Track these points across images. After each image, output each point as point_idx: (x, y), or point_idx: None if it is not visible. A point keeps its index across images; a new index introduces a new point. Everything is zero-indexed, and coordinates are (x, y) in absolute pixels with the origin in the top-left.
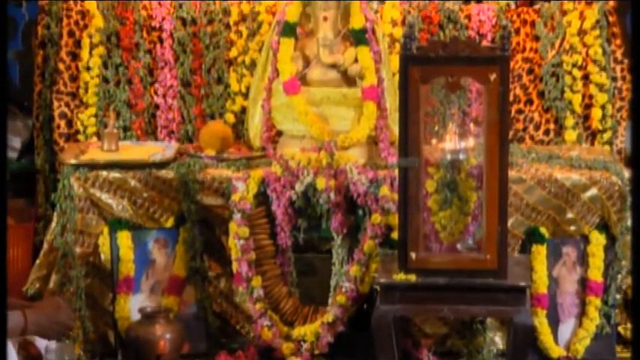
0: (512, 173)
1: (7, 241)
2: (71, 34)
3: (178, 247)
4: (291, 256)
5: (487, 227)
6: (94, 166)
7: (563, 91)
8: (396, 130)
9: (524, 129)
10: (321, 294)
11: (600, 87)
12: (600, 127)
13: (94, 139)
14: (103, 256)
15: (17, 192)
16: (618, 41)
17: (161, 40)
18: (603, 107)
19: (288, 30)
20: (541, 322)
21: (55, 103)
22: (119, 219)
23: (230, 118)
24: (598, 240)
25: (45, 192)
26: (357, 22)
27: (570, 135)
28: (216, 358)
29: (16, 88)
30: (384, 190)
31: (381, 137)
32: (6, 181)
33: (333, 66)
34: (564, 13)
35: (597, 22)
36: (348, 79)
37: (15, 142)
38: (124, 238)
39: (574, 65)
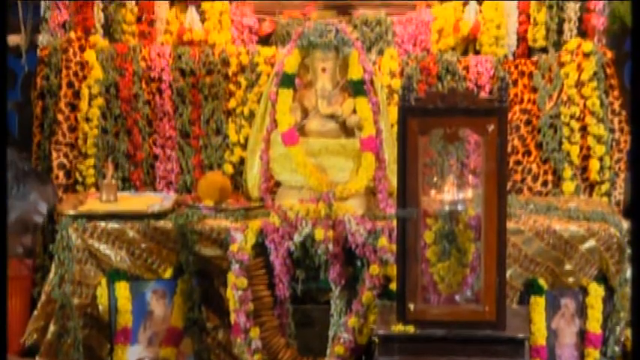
0: (510, 224)
1: (6, 293)
2: (70, 85)
3: (176, 298)
4: (289, 307)
5: (485, 279)
6: (92, 216)
7: (561, 143)
8: (394, 181)
9: (523, 180)
10: (320, 345)
11: (598, 139)
12: (598, 179)
13: (93, 189)
14: (100, 307)
15: (16, 243)
16: (616, 93)
17: (160, 91)
18: (601, 159)
19: (286, 81)
20: None
21: (54, 154)
22: (117, 270)
23: (228, 168)
24: (596, 292)
25: (43, 243)
26: (355, 73)
27: (568, 186)
28: None
29: (15, 139)
30: (383, 241)
31: (379, 188)
32: (6, 182)
33: (332, 117)
34: (562, 64)
35: (595, 74)
36: (347, 130)
37: (42, 208)
38: (122, 289)
39: (572, 117)
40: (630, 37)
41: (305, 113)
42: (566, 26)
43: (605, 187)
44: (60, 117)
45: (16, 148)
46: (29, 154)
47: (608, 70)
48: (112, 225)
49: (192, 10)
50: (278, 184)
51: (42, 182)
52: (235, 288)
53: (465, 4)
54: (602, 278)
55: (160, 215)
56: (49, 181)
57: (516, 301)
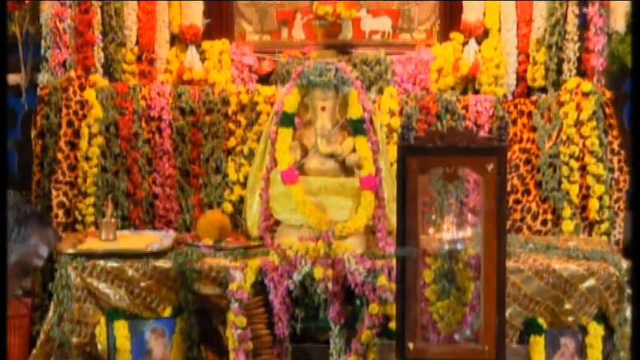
0: (510, 263)
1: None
2: (70, 124)
3: (175, 337)
4: (288, 345)
5: (485, 318)
6: (91, 255)
7: (560, 182)
8: (393, 219)
9: (522, 219)
10: None
11: (597, 178)
12: (598, 218)
13: (92, 228)
14: (99, 346)
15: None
16: (615, 133)
17: (160, 130)
18: (601, 198)
19: (286, 120)
20: None
21: (54, 193)
22: (116, 308)
23: (228, 207)
24: (596, 331)
25: (42, 281)
26: (355, 112)
27: (568, 225)
28: None
29: (15, 178)
30: (382, 280)
31: (378, 227)
32: (6, 184)
33: (331, 156)
34: (561, 104)
35: (594, 113)
36: (346, 169)
37: (42, 251)
38: (121, 328)
39: (571, 156)
40: (630, 76)
41: (305, 152)
42: (565, 66)
43: (604, 227)
44: (60, 156)
45: (18, 189)
46: (29, 192)
47: (607, 110)
48: (111, 264)
49: (192, 50)
50: (277, 222)
51: (43, 225)
52: (234, 327)
53: (464, 44)
54: (602, 317)
55: (159, 254)
56: (50, 224)
57: (516, 340)
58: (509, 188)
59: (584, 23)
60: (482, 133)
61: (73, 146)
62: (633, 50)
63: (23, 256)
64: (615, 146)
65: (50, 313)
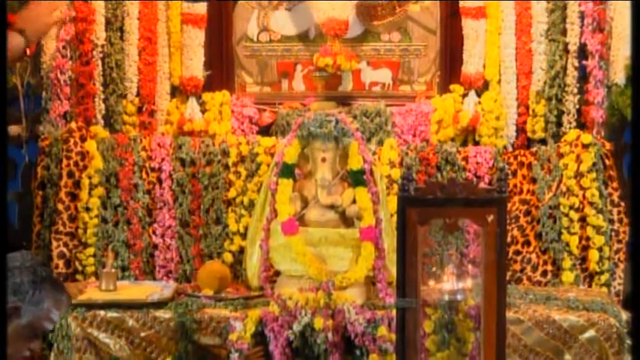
0: (510, 314)
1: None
2: (71, 174)
3: None
4: None
5: None
6: (91, 305)
7: (560, 233)
8: (393, 270)
9: (522, 270)
10: None
11: (597, 229)
12: (598, 269)
13: (93, 278)
14: None
15: None
16: (615, 184)
17: (160, 181)
18: (600, 249)
19: (286, 171)
20: None
21: (54, 243)
22: (117, 359)
23: (228, 257)
24: None
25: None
26: (355, 163)
27: (568, 276)
28: None
29: (15, 229)
30: (382, 331)
31: (378, 278)
32: (6, 185)
33: (332, 207)
34: (561, 155)
35: (594, 164)
36: (346, 220)
37: (54, 316)
38: None
39: (571, 207)
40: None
41: (305, 203)
42: (565, 118)
43: (604, 278)
44: (60, 206)
45: (18, 240)
46: (29, 243)
47: (607, 162)
48: (112, 314)
49: (192, 101)
50: (277, 273)
51: (58, 290)
52: None
53: (464, 96)
54: None
55: (159, 304)
56: (65, 290)
57: None
58: (509, 239)
59: (583, 76)
60: (482, 185)
61: (74, 197)
62: (633, 63)
63: (35, 319)
64: (615, 197)
65: None
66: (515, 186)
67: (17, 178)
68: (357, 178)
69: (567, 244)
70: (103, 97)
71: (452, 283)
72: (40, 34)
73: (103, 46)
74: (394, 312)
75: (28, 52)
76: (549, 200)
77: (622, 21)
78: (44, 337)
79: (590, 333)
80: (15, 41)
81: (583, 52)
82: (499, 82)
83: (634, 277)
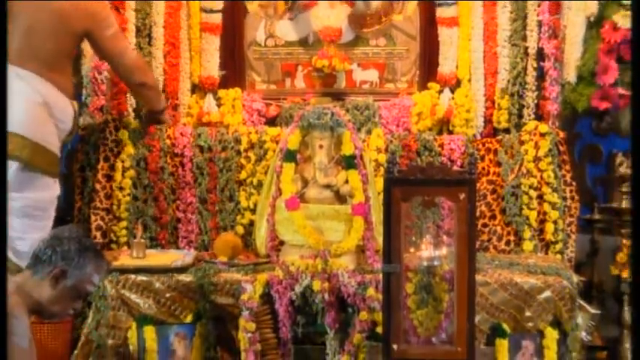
0: (478, 277)
1: (50, 335)
2: (106, 159)
3: (195, 340)
4: (291, 347)
5: (458, 323)
6: (124, 270)
7: (521, 209)
8: (380, 240)
9: (489, 240)
10: None
11: (553, 205)
12: (553, 239)
13: (125, 247)
14: (131, 347)
15: None
16: (567, 167)
17: (182, 165)
18: (555, 222)
19: (289, 156)
20: None
21: (93, 217)
22: (145, 316)
23: (240, 230)
24: (552, 335)
25: None
26: (347, 149)
27: (527, 245)
28: None
29: (60, 206)
30: (370, 292)
31: (367, 246)
32: (6, 183)
33: (328, 186)
34: (522, 143)
35: (550, 150)
36: (340, 198)
37: (95, 279)
38: (150, 332)
39: (530, 187)
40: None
41: (305, 183)
42: (525, 111)
43: (558, 247)
44: (97, 186)
45: (62, 215)
46: (71, 217)
47: (561, 148)
48: (141, 277)
49: (209, 97)
50: (282, 242)
51: (99, 258)
52: (245, 331)
53: (439, 92)
54: (557, 323)
55: (181, 269)
56: (104, 258)
57: (484, 342)
58: (478, 214)
59: (541, 75)
60: (455, 168)
61: (109, 178)
62: (633, 53)
63: (79, 282)
64: (568, 178)
65: (89, 320)
66: (483, 169)
67: (62, 163)
68: (349, 162)
69: (527, 218)
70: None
71: (430, 251)
72: None
73: (134, 50)
74: (381, 276)
75: None
76: (512, 181)
77: (573, 28)
78: (85, 297)
79: (547, 293)
80: None
81: (540, 55)
82: (469, 80)
83: (634, 276)
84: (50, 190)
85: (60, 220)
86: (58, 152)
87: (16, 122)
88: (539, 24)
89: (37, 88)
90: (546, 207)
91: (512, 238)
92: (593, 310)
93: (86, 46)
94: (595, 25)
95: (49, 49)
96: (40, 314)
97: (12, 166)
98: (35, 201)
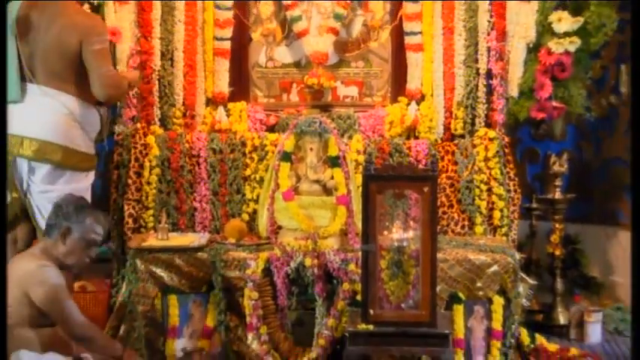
0: (439, 255)
1: (91, 303)
2: (137, 159)
3: (209, 306)
4: (287, 312)
5: (422, 292)
6: (151, 250)
7: (473, 199)
8: (359, 225)
9: (447, 225)
10: (309, 339)
11: (499, 196)
12: (499, 224)
13: (152, 231)
14: (157, 312)
15: (99, 268)
16: (511, 165)
17: (198, 164)
18: (501, 210)
19: (285, 157)
20: (459, 358)
21: (125, 207)
22: (168, 286)
23: (245, 217)
24: (498, 301)
25: (117, 268)
26: (333, 151)
27: (479, 229)
28: None
29: (99, 197)
30: (352, 267)
31: (349, 230)
32: (6, 184)
33: (317, 181)
34: (474, 146)
35: (497, 152)
36: (327, 191)
37: (98, 229)
38: (172, 300)
39: (481, 181)
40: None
41: (298, 179)
42: (477, 120)
43: (504, 230)
44: (129, 181)
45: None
46: (108, 207)
47: (506, 150)
48: (165, 255)
49: (221, 109)
50: (280, 227)
51: (95, 212)
52: (250, 299)
53: (408, 104)
54: (502, 292)
55: (198, 249)
56: (100, 212)
57: (443, 308)
58: (438, 204)
59: (489, 91)
60: (421, 166)
61: (139, 175)
62: (633, 64)
63: (83, 233)
64: (511, 175)
65: (123, 290)
66: (442, 167)
67: (101, 162)
68: (334, 162)
69: (478, 207)
70: (159, 105)
71: (399, 234)
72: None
73: (159, 71)
74: (360, 254)
75: None
76: (466, 177)
77: (515, 53)
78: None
79: (494, 268)
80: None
81: (489, 75)
82: (432, 95)
83: (634, 275)
84: (81, 182)
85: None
86: (88, 150)
87: (46, 131)
88: (488, 49)
89: (62, 101)
90: (494, 198)
91: (466, 223)
92: (531, 281)
93: (120, 68)
94: (533, 50)
95: (64, 65)
96: (63, 268)
97: (45, 167)
98: (68, 192)
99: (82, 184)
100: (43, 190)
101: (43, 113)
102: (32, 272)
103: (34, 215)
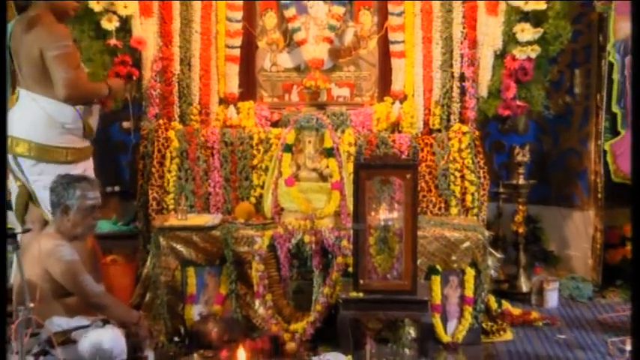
0: (419, 233)
1: (120, 274)
2: (159, 151)
3: (222, 277)
4: (289, 282)
5: (405, 265)
6: (172, 228)
7: (449, 185)
8: (351, 207)
9: (427, 207)
10: (307, 305)
11: (470, 182)
12: (471, 206)
13: (172, 212)
14: (177, 283)
15: (127, 245)
16: (481, 156)
17: (212, 155)
18: (472, 194)
19: (287, 148)
20: (437, 321)
21: (150, 192)
22: (187, 260)
23: (253, 200)
24: (470, 272)
25: (143, 244)
26: (328, 143)
27: (453, 210)
28: (244, 344)
29: (128, 184)
30: (344, 243)
31: (342, 211)
32: (6, 180)
33: (314, 170)
34: (449, 139)
35: (469, 144)
36: (323, 177)
37: (90, 195)
38: (190, 271)
39: (455, 170)
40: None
41: (298, 167)
42: (452, 117)
43: (475, 211)
44: (153, 170)
45: (128, 191)
46: (135, 192)
47: (477, 142)
48: (184, 233)
49: (231, 107)
50: (282, 209)
51: (81, 183)
52: (257, 270)
53: (392, 103)
54: (474, 264)
55: (212, 228)
56: (86, 178)
57: (423, 278)
58: (419, 188)
59: (463, 91)
60: (404, 157)
61: (161, 164)
62: (633, 64)
63: (79, 205)
64: (481, 164)
65: (148, 263)
66: (422, 157)
67: (129, 153)
68: (329, 153)
69: (453, 191)
70: (178, 104)
71: (385, 215)
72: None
73: (178, 74)
74: (352, 232)
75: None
76: (442, 165)
77: (485, 59)
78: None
79: (467, 244)
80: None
81: (462, 78)
82: (413, 95)
83: (634, 274)
84: (60, 172)
85: (125, 194)
86: (70, 144)
87: (27, 131)
88: (461, 56)
89: (42, 105)
90: (466, 183)
91: (442, 205)
92: (498, 255)
93: (146, 73)
94: (500, 56)
95: (37, 72)
96: (77, 238)
97: (27, 161)
98: (50, 181)
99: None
100: (34, 180)
101: (26, 115)
102: (49, 251)
103: (35, 199)
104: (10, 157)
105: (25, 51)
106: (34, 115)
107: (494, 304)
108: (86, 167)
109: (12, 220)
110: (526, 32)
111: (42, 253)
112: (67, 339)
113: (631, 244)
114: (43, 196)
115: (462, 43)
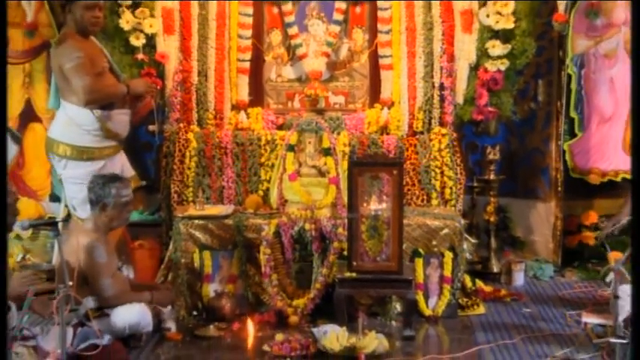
0: (405, 221)
1: (146, 257)
2: (180, 150)
3: (234, 260)
4: (292, 264)
5: (392, 249)
6: (191, 217)
7: (430, 180)
8: (345, 199)
9: (411, 199)
10: (308, 284)
11: (449, 177)
12: (449, 198)
13: (191, 204)
14: (196, 264)
15: (153, 231)
16: (458, 154)
17: (226, 154)
18: (451, 188)
19: (290, 148)
20: (420, 297)
21: (172, 186)
22: (204, 245)
23: (261, 193)
24: (448, 255)
25: (166, 231)
26: (326, 144)
27: (434, 202)
28: (253, 317)
29: (153, 179)
30: (340, 230)
31: (338, 203)
32: (6, 180)
33: (314, 167)
34: (431, 140)
35: (447, 145)
36: (322, 173)
37: (122, 192)
38: (206, 255)
39: (436, 167)
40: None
41: (300, 165)
42: (433, 121)
43: (452, 203)
44: (174, 167)
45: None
46: (159, 186)
47: (454, 143)
48: (201, 222)
49: (242, 113)
50: (286, 201)
51: (115, 182)
52: (264, 254)
53: (382, 109)
54: (452, 248)
55: (226, 217)
56: (120, 177)
57: (408, 260)
58: (404, 183)
59: (442, 99)
60: (391, 155)
61: (181, 162)
62: (633, 64)
63: (115, 202)
64: (458, 161)
65: (170, 247)
66: (407, 156)
67: (153, 153)
68: (327, 152)
69: (434, 186)
70: (196, 110)
71: (375, 205)
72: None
73: (196, 84)
74: (346, 220)
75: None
76: (425, 163)
77: (461, 71)
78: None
79: (446, 230)
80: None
81: (442, 87)
82: (399, 102)
83: (634, 272)
84: (81, 168)
85: (150, 187)
86: (89, 144)
87: (59, 133)
88: (441, 68)
89: (67, 110)
90: (445, 179)
91: (424, 197)
92: (472, 240)
93: (168, 84)
94: (474, 69)
95: (64, 83)
96: (112, 229)
97: (56, 157)
98: (74, 174)
99: (82, 170)
100: (60, 173)
101: (58, 119)
102: (86, 247)
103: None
104: (50, 155)
105: (53, 66)
106: (63, 119)
107: (469, 283)
108: (106, 164)
109: (54, 210)
110: (497, 48)
111: (80, 247)
112: (102, 313)
113: (631, 244)
114: (65, 188)
115: (441, 57)
